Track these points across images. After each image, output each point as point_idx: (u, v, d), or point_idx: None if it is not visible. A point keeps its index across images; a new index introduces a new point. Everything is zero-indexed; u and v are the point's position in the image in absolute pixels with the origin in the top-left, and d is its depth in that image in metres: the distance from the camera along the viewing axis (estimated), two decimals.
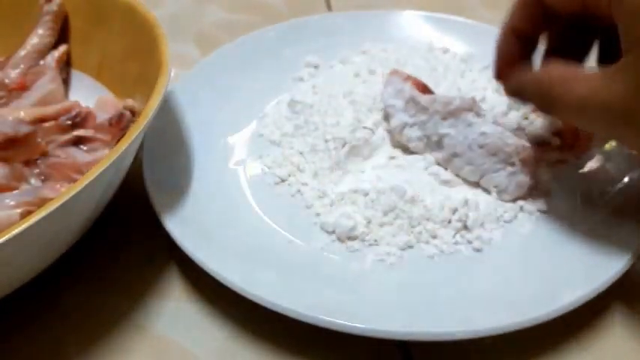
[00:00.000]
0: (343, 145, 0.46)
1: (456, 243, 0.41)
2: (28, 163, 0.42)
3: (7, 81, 0.49)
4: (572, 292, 0.37)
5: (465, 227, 0.42)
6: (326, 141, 0.47)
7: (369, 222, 0.42)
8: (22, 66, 0.50)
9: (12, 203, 0.37)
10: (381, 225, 0.42)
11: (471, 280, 0.39)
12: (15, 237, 0.31)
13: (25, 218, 0.31)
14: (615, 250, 0.39)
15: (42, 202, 0.36)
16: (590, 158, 0.46)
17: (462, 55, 0.56)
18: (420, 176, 0.45)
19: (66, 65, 0.53)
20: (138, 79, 0.45)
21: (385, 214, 0.42)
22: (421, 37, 0.59)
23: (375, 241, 0.41)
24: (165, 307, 0.40)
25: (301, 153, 0.48)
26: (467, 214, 0.42)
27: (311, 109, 0.50)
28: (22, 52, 0.51)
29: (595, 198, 0.43)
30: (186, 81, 0.52)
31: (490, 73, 0.53)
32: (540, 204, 0.43)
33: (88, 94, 0.50)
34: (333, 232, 0.42)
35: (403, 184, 0.43)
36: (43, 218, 0.31)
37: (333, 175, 0.45)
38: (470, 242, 0.41)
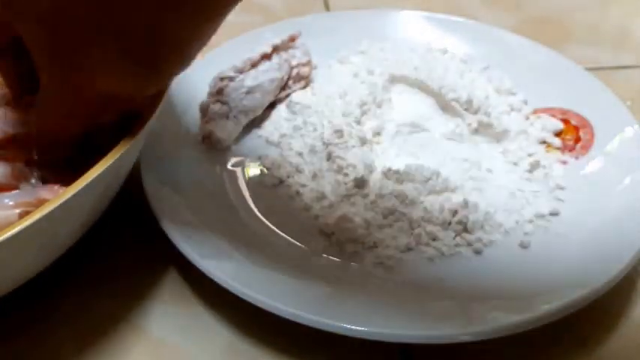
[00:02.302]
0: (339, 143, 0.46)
1: (456, 245, 0.41)
2: (29, 162, 0.41)
3: None
4: (574, 293, 0.36)
5: (465, 229, 0.42)
6: (324, 142, 0.47)
7: (368, 224, 0.42)
8: None
9: (11, 203, 0.36)
10: (381, 227, 0.42)
11: (471, 281, 0.39)
12: (11, 238, 0.30)
13: (22, 219, 0.31)
14: (617, 251, 0.39)
15: (40, 203, 0.35)
16: (591, 159, 0.46)
17: (461, 56, 0.56)
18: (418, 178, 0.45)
19: None
20: None
21: (385, 216, 0.42)
22: (420, 37, 0.58)
23: (375, 243, 0.41)
24: (165, 309, 0.40)
25: (300, 154, 0.47)
26: (467, 216, 0.42)
27: (309, 109, 0.50)
28: None
29: (596, 199, 0.43)
30: (182, 81, 0.52)
31: (490, 73, 0.54)
32: (540, 206, 0.43)
33: None
34: (333, 234, 0.42)
35: (403, 188, 0.43)
36: (39, 220, 0.31)
37: (343, 174, 0.45)
38: (470, 244, 0.41)
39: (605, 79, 0.52)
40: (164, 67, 0.34)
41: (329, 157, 0.46)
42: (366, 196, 0.43)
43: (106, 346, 0.38)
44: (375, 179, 0.44)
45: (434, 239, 0.41)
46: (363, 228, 0.42)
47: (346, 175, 0.45)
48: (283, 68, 0.51)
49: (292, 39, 0.53)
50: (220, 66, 0.51)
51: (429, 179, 0.43)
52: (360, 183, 0.43)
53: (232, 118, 0.48)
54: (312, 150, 0.47)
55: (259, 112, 0.50)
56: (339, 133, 0.46)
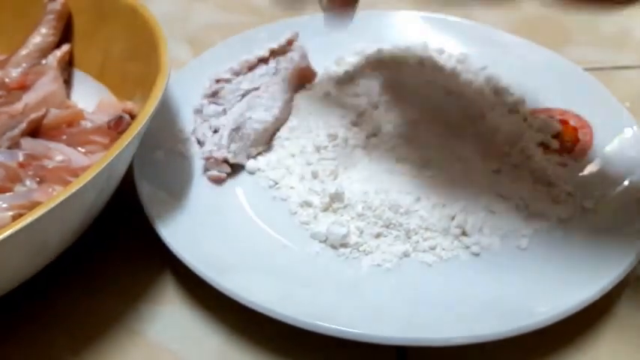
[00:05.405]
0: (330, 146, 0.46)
1: (454, 248, 0.41)
2: (23, 164, 0.41)
3: (7, 80, 0.48)
4: (571, 297, 0.36)
5: (464, 233, 0.41)
6: (315, 146, 0.46)
7: (361, 232, 0.41)
8: (23, 65, 0.50)
9: (4, 206, 0.36)
10: (377, 236, 0.41)
11: (468, 284, 0.39)
12: (3, 240, 0.30)
13: (14, 222, 0.31)
14: (615, 255, 0.39)
15: (33, 206, 0.35)
16: (589, 161, 0.46)
17: (457, 56, 0.56)
18: (411, 180, 0.45)
19: (68, 65, 0.52)
20: (138, 81, 0.45)
21: (379, 226, 0.41)
22: (416, 37, 0.58)
23: (371, 249, 0.41)
24: (160, 312, 0.40)
25: (293, 155, 0.47)
26: (465, 220, 0.41)
27: (305, 111, 0.50)
28: (24, 51, 0.50)
29: (595, 201, 0.43)
30: (176, 81, 0.51)
31: (488, 73, 0.54)
32: (539, 207, 0.43)
33: (89, 93, 0.50)
34: (326, 239, 0.41)
35: (396, 198, 0.42)
36: (32, 222, 0.31)
37: (320, 181, 0.45)
38: (467, 247, 0.41)
39: (604, 79, 0.52)
40: None
41: (309, 164, 0.46)
42: (346, 206, 0.43)
43: (101, 349, 0.38)
44: (355, 190, 0.43)
45: (432, 248, 0.41)
46: (356, 235, 0.41)
47: (322, 182, 0.44)
48: (281, 74, 0.51)
49: (290, 42, 0.53)
50: (214, 67, 0.51)
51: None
52: (335, 196, 0.43)
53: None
54: (303, 151, 0.46)
55: None
56: (332, 136, 0.46)
